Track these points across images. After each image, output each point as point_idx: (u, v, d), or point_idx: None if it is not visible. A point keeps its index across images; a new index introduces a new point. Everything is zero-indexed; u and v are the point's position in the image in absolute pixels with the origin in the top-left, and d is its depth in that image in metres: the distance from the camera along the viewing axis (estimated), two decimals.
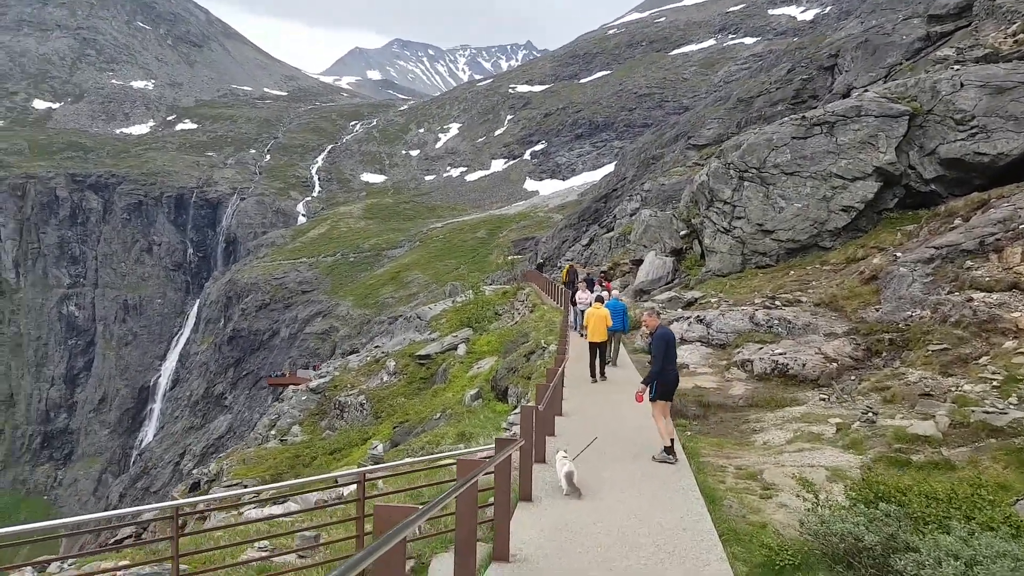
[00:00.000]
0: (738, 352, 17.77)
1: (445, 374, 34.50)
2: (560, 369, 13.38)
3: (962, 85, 25.91)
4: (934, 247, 19.70)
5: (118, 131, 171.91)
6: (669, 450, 10.68)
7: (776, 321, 19.12)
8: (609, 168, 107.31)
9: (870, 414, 11.57)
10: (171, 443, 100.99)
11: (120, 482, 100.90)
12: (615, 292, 25.19)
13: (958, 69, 27.47)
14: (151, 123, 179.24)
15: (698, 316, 20.75)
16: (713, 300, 23.26)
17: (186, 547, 10.18)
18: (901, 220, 26.14)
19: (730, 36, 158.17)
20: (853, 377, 15.00)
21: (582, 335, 24.12)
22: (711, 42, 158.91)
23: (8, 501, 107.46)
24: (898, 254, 21.44)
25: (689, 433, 12.81)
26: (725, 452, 11.40)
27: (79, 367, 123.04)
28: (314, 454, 31.52)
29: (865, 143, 26.56)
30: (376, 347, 45.24)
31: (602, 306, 18.66)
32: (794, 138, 28.02)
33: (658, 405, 10.89)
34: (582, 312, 24.42)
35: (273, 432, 37.00)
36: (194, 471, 44.70)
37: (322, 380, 40.45)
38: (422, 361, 37.23)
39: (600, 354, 18.07)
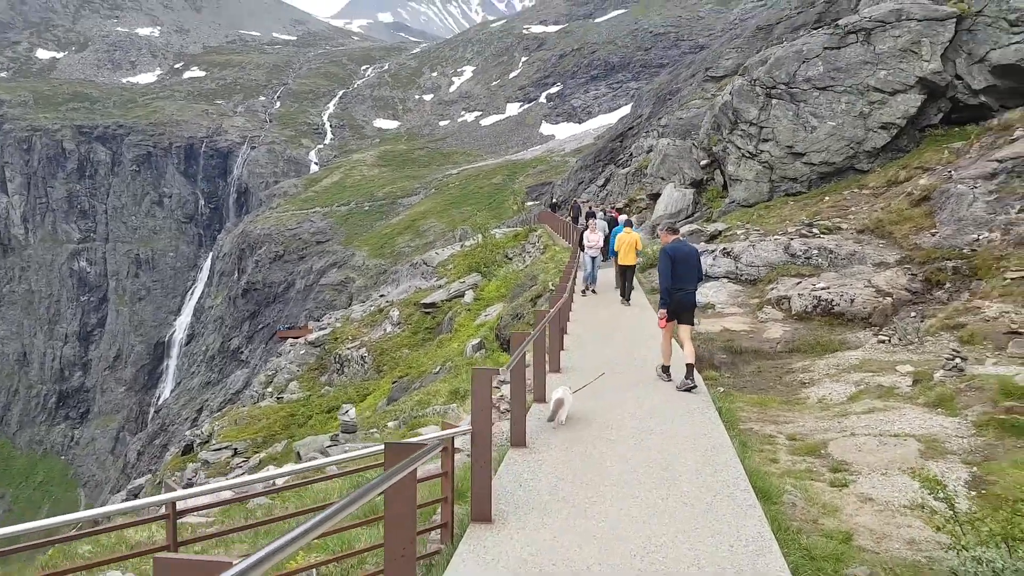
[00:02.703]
0: (772, 288, 15.20)
1: (451, 323, 32.31)
2: (555, 310, 10.69)
3: None
4: (996, 160, 16.90)
5: (124, 80, 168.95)
6: (666, 369, 10.13)
7: (815, 251, 16.45)
8: (626, 110, 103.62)
9: (957, 360, 9.02)
10: (188, 399, 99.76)
11: (138, 439, 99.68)
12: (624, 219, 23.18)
13: None
14: (158, 71, 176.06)
15: (724, 249, 18.12)
16: (740, 232, 20.59)
17: None
18: (947, 137, 23.21)
19: None
20: (914, 314, 12.44)
21: (585, 292, 20.91)
22: None
23: (25, 462, 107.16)
24: (951, 172, 18.65)
25: (721, 389, 10.18)
26: (771, 414, 8.84)
27: (92, 324, 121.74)
28: (310, 413, 29.53)
29: (907, 51, 23.47)
30: (381, 296, 42.97)
31: (632, 231, 18.97)
32: (827, 48, 24.92)
33: (669, 327, 10.18)
34: (592, 259, 21.29)
35: (270, 389, 35.00)
36: (187, 432, 42.89)
37: (322, 332, 38.24)
38: (427, 310, 34.98)
39: (627, 278, 18.41)
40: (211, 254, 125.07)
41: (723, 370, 11.27)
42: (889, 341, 11.26)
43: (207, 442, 32.17)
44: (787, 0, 73.68)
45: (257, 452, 27.39)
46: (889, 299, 13.05)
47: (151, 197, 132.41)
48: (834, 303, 13.43)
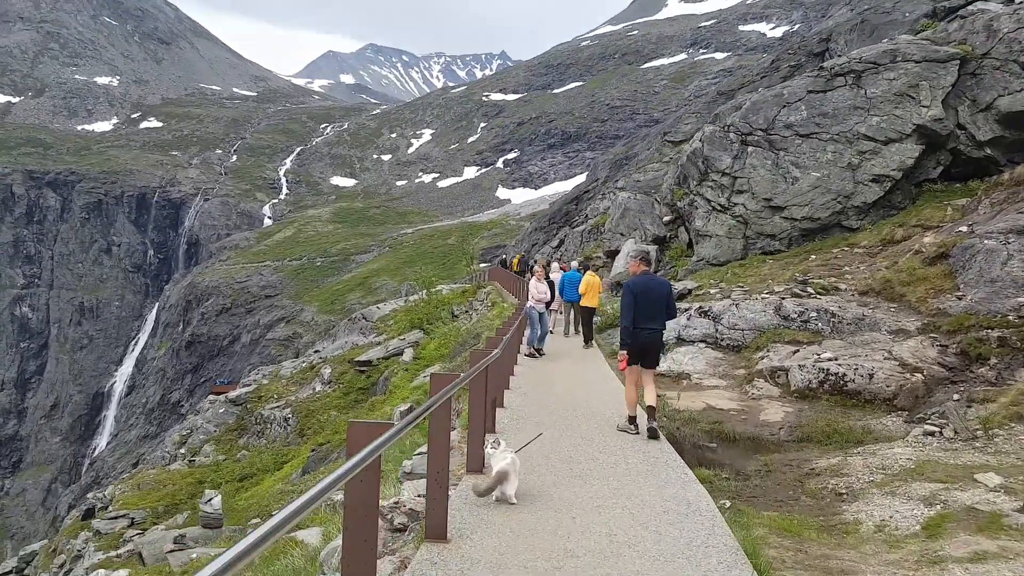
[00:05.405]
0: (763, 357, 12.13)
1: (386, 384, 29.02)
2: (473, 371, 7.30)
3: None
4: None
5: (80, 128, 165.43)
6: (632, 420, 8.98)
7: (814, 313, 13.40)
8: (582, 178, 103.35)
9: None
10: (124, 452, 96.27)
11: (70, 492, 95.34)
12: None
13: (1021, 2, 22.12)
14: (114, 120, 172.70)
15: (701, 308, 15.04)
16: (714, 291, 17.67)
17: None
18: (948, 193, 20.65)
19: (701, 51, 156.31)
20: (956, 396, 9.47)
21: (532, 352, 17.26)
22: (682, 56, 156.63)
23: None
24: (962, 228, 15.98)
25: (727, 504, 6.81)
26: (815, 554, 5.41)
27: (31, 371, 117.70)
28: (220, 480, 25.87)
29: (903, 95, 21.02)
30: (315, 352, 39.29)
31: (595, 274, 18.81)
32: (811, 92, 22.48)
33: (631, 371, 9.20)
34: (540, 314, 17.58)
35: (182, 451, 31.06)
36: (89, 495, 38.61)
37: (245, 390, 34.42)
38: (362, 368, 31.54)
39: (589, 320, 17.95)
40: (157, 304, 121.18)
41: (721, 470, 7.99)
42: (941, 433, 8.24)
43: (107, 507, 28.33)
44: (748, 68, 73.29)
45: (156, 524, 23.92)
46: (919, 376, 10.08)
47: (99, 245, 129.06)
48: (847, 378, 10.38)
